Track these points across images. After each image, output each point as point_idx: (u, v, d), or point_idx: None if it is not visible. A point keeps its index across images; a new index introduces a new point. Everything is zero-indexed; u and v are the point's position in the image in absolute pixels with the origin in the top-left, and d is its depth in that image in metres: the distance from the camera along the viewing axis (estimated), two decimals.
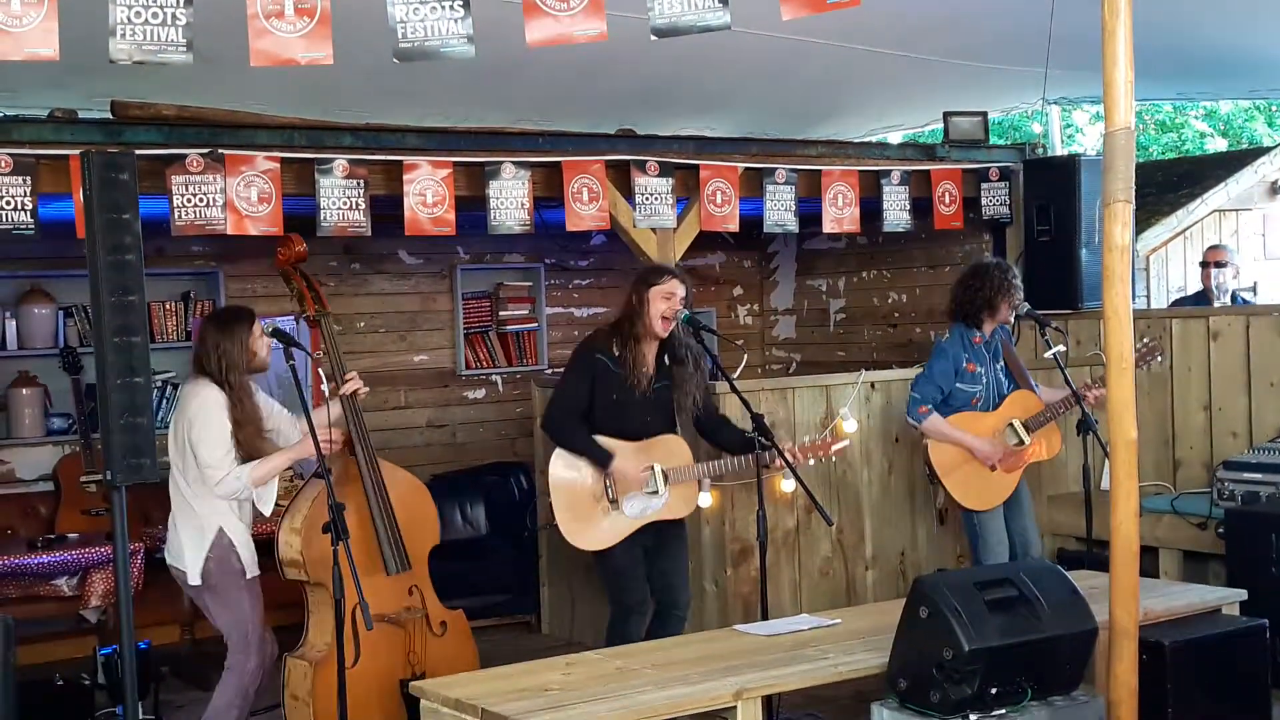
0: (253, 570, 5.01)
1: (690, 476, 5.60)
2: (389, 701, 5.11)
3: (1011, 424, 6.06)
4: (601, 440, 5.47)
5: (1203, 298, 7.76)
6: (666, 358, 5.59)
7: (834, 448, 5.77)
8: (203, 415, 4.92)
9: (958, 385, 6.08)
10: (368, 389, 5.36)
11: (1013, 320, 6.17)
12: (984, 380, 6.10)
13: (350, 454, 5.30)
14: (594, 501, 5.47)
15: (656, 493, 5.50)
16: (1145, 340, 6.29)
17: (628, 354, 5.47)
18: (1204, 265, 7.83)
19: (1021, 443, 6.05)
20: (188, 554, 4.94)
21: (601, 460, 5.44)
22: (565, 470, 5.51)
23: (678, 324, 5.49)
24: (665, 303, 5.46)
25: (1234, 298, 7.71)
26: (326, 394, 5.39)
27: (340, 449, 5.20)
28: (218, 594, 4.98)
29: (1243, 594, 5.06)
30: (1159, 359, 6.38)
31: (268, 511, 5.03)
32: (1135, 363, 6.04)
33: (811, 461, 5.73)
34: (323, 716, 4.96)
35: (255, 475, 4.92)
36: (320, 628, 5.17)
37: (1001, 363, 6.16)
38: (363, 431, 5.30)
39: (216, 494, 4.93)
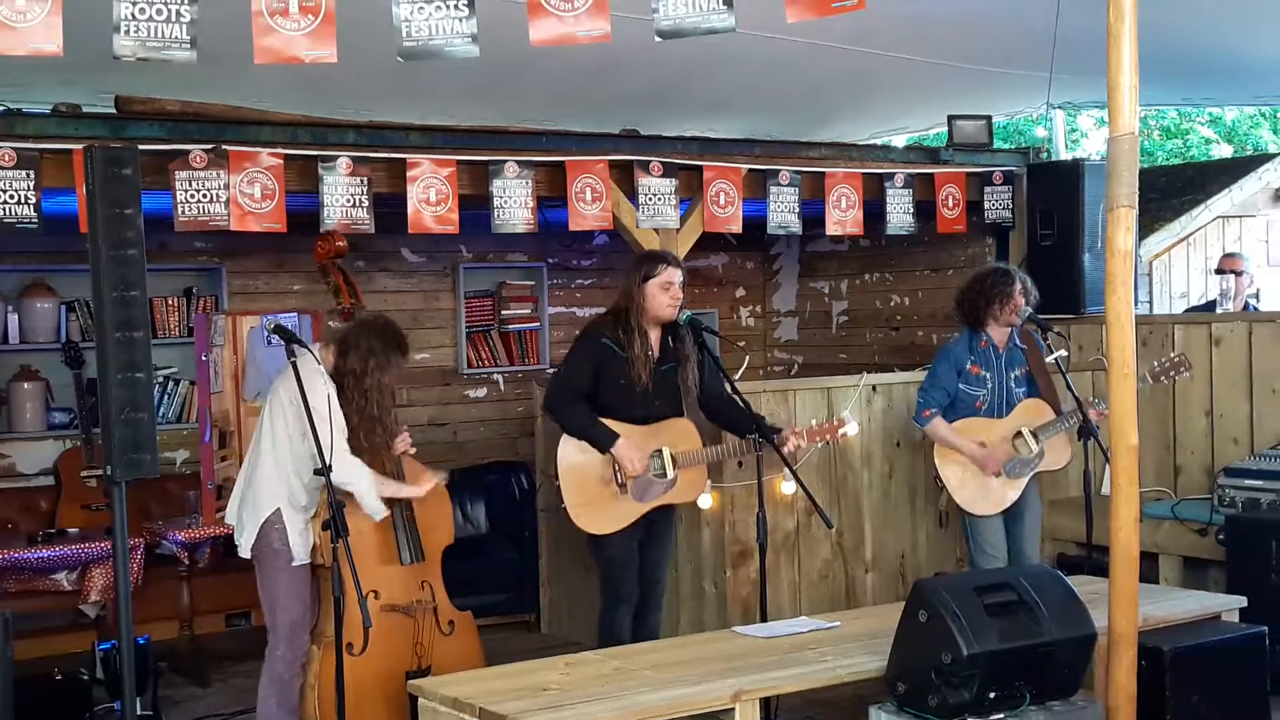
0: (301, 559, 4.99)
1: (699, 460, 5.56)
2: (394, 691, 5.10)
3: (1021, 432, 6.02)
4: (608, 424, 5.42)
5: (1213, 307, 7.73)
6: (670, 339, 5.55)
7: (840, 431, 5.77)
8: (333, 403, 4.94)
9: (961, 387, 6.04)
10: (415, 449, 5.38)
11: (1016, 326, 6.09)
12: (989, 385, 6.04)
13: None
14: (603, 485, 5.43)
15: (664, 476, 5.49)
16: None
17: (632, 339, 5.42)
18: (1218, 273, 7.81)
19: (1032, 451, 6.01)
20: (247, 526, 4.98)
21: (603, 442, 5.39)
22: (575, 453, 5.45)
23: (680, 319, 5.48)
24: (666, 293, 5.44)
25: (1247, 306, 7.69)
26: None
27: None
28: (260, 571, 5.02)
29: (1242, 601, 5.05)
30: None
31: (377, 516, 5.05)
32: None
33: (820, 443, 5.70)
34: (327, 701, 4.98)
35: (375, 484, 4.98)
36: (329, 615, 5.17)
37: (1019, 371, 6.08)
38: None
39: (337, 474, 4.76)
